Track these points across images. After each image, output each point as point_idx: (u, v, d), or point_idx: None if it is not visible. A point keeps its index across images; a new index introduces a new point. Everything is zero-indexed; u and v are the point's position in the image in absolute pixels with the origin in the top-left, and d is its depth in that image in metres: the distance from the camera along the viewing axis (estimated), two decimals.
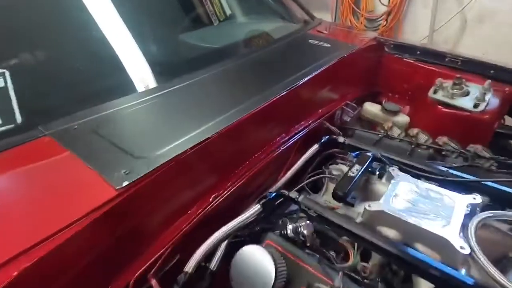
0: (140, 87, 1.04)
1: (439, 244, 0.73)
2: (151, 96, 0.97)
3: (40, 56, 0.99)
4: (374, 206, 0.84)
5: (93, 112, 0.87)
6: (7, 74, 0.88)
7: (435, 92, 1.36)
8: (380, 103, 1.56)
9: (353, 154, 1.09)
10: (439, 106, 1.34)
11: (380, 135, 1.21)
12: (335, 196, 0.88)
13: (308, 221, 0.79)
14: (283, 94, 1.00)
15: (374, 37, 1.64)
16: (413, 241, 0.79)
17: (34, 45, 0.98)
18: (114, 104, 0.91)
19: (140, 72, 1.07)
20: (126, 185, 0.64)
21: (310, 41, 1.47)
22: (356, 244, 0.83)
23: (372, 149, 1.12)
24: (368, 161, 0.98)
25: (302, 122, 1.18)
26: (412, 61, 1.52)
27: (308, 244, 0.81)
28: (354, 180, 0.90)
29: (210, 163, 0.83)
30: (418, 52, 1.52)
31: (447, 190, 0.86)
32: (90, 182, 0.66)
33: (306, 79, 1.10)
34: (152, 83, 1.06)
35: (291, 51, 1.38)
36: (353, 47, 1.43)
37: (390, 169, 1.00)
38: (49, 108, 0.92)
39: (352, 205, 0.87)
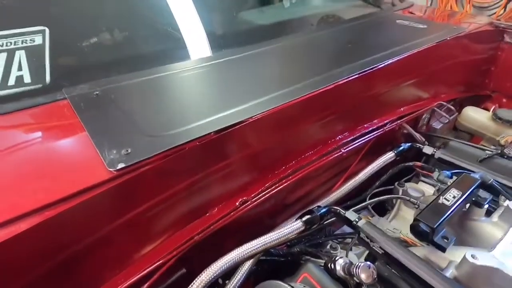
0: (192, 54, 0.90)
1: None
2: (198, 66, 0.82)
3: (84, 17, 0.92)
4: (482, 258, 0.53)
5: (122, 79, 0.76)
6: (47, 32, 0.82)
7: None
8: (486, 109, 1.16)
9: (447, 173, 0.76)
10: None
11: (490, 152, 0.84)
12: (416, 230, 0.59)
13: (369, 263, 0.53)
14: (352, 77, 0.74)
15: (490, 21, 1.23)
16: None
17: (79, 4, 0.91)
18: (151, 72, 0.79)
19: (194, 39, 0.93)
20: (121, 168, 0.48)
21: (398, 21, 1.15)
22: None
23: (477, 169, 0.77)
24: (474, 186, 0.66)
25: (375, 121, 0.89)
26: None
27: None
28: (450, 211, 0.60)
29: (242, 156, 0.63)
30: None
31: None
32: (84, 160, 0.52)
33: (386, 62, 0.81)
34: (206, 52, 0.91)
35: (370, 31, 1.09)
36: (460, 29, 1.06)
37: (508, 203, 0.67)
38: (81, 71, 0.83)
39: (444, 250, 0.57)
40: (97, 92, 0.70)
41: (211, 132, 0.56)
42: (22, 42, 0.78)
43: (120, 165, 0.48)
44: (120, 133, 0.56)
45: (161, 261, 0.53)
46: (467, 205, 0.69)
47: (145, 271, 0.51)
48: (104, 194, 0.47)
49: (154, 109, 0.66)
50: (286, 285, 0.49)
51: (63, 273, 0.47)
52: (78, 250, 0.46)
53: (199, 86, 0.77)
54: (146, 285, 0.51)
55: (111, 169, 0.48)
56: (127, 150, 0.51)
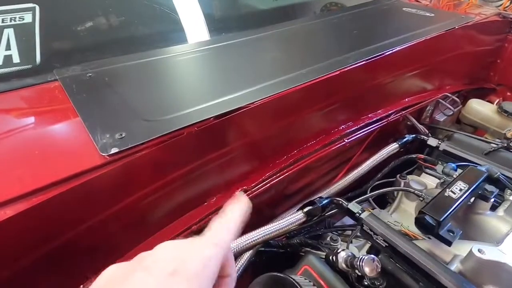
0: (190, 38, 0.86)
1: None
2: (196, 49, 0.79)
3: None
4: (489, 252, 0.52)
5: (117, 61, 0.72)
6: (37, 9, 0.77)
7: None
8: (490, 102, 1.14)
9: (452, 165, 0.74)
10: None
11: (496, 144, 0.82)
12: (421, 223, 0.57)
13: (373, 256, 0.51)
14: (358, 64, 0.71)
15: (498, 12, 1.19)
16: None
17: None
18: (147, 54, 0.75)
19: (192, 22, 0.89)
20: (114, 153, 0.45)
21: (404, 9, 1.11)
22: None
23: (482, 162, 0.75)
24: (481, 179, 0.64)
25: (379, 111, 0.86)
26: None
27: (366, 284, 0.53)
28: (456, 204, 0.58)
29: (242, 143, 0.60)
30: None
31: None
32: (74, 144, 0.49)
33: (393, 50, 0.78)
34: (205, 35, 0.87)
35: (376, 19, 1.05)
36: (468, 19, 1.03)
37: None
38: (74, 51, 0.79)
39: (449, 243, 0.55)
40: (90, 74, 0.67)
41: (211, 117, 0.53)
42: (11, 19, 0.74)
43: (114, 150, 0.45)
44: (114, 117, 0.53)
45: None
46: (472, 199, 0.67)
47: None
48: (96, 180, 0.44)
49: (150, 92, 0.63)
50: (287, 277, 0.47)
51: (52, 262, 0.44)
52: (68, 239, 0.43)
53: (197, 70, 0.73)
54: None
55: (103, 154, 0.45)
56: (121, 134, 0.48)
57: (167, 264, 0.23)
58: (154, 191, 0.51)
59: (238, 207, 0.35)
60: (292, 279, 0.46)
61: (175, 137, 0.49)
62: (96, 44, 0.84)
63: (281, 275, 0.47)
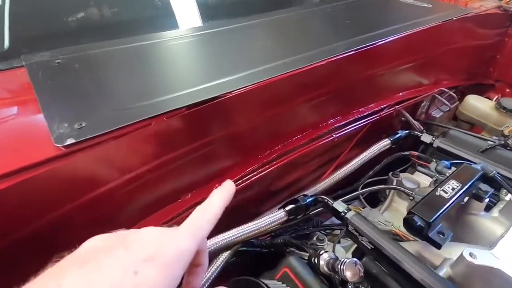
0: (181, 24, 0.82)
1: None
2: (183, 35, 0.75)
3: None
4: (481, 256, 0.48)
5: (92, 47, 0.68)
6: None
7: None
8: (488, 99, 1.09)
9: (446, 163, 0.70)
10: None
11: (493, 142, 0.78)
12: (409, 224, 0.53)
13: (355, 259, 0.47)
14: (348, 53, 0.67)
15: (498, 5, 1.14)
16: None
17: None
18: (128, 41, 0.71)
19: (183, 8, 0.84)
20: (70, 145, 0.41)
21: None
22: None
23: (478, 160, 0.71)
24: (475, 178, 0.60)
25: (371, 105, 0.82)
26: None
27: None
28: (448, 204, 0.54)
29: (220, 136, 0.56)
30: None
31: None
32: (29, 135, 0.45)
33: (386, 40, 0.74)
34: (197, 21, 0.83)
35: (371, 8, 1.00)
36: (467, 10, 0.98)
37: (510, 197, 0.61)
38: (47, 37, 0.74)
39: (439, 246, 0.51)
40: (59, 61, 0.62)
41: (183, 107, 0.48)
42: None
43: (69, 141, 0.41)
44: (77, 106, 0.49)
45: None
46: (466, 199, 0.63)
47: None
48: (49, 174, 0.39)
49: (124, 80, 0.59)
50: (258, 281, 0.43)
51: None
52: (16, 240, 0.39)
53: (178, 57, 0.69)
54: None
55: (58, 145, 0.40)
56: (80, 124, 0.44)
57: (148, 247, 0.25)
58: (118, 188, 0.46)
59: (222, 193, 0.33)
60: (263, 284, 0.42)
61: (142, 128, 0.45)
62: (74, 29, 0.80)
63: (252, 278, 0.43)
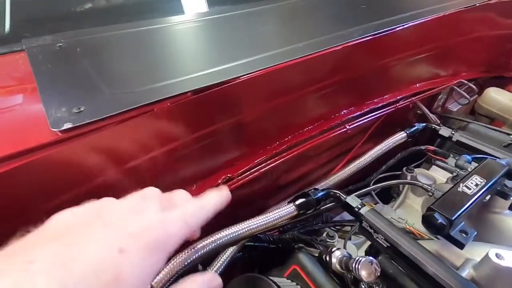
0: (186, 9, 0.79)
1: None
2: (190, 20, 0.71)
3: None
4: (509, 257, 0.44)
5: (95, 32, 0.65)
6: None
7: None
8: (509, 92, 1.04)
9: (467, 157, 0.66)
10: None
11: None
12: (429, 222, 0.49)
13: (371, 258, 0.44)
14: (364, 39, 0.62)
15: None
16: None
17: None
18: (132, 25, 0.68)
19: None
20: (67, 129, 0.38)
21: None
22: None
23: (501, 155, 0.67)
24: (500, 174, 0.56)
25: (386, 96, 0.78)
26: None
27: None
28: (472, 201, 0.50)
29: (226, 124, 0.52)
30: None
31: None
32: (25, 119, 0.43)
33: (404, 25, 0.69)
34: (203, 7, 0.80)
35: None
36: None
37: None
38: (49, 20, 0.72)
39: (462, 246, 0.47)
40: (61, 44, 0.59)
41: (188, 92, 0.45)
42: None
43: (66, 125, 0.38)
44: (77, 90, 0.46)
45: None
46: (488, 196, 0.59)
47: None
48: (43, 161, 0.37)
49: (127, 65, 0.56)
50: (267, 279, 0.40)
51: None
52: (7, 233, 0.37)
53: (183, 42, 0.66)
54: None
55: (54, 130, 0.38)
56: (79, 108, 0.41)
57: (131, 223, 0.23)
58: (117, 177, 0.44)
59: (218, 196, 0.33)
60: (271, 281, 0.39)
61: (144, 113, 0.42)
62: (78, 13, 0.77)
63: (260, 276, 0.40)
